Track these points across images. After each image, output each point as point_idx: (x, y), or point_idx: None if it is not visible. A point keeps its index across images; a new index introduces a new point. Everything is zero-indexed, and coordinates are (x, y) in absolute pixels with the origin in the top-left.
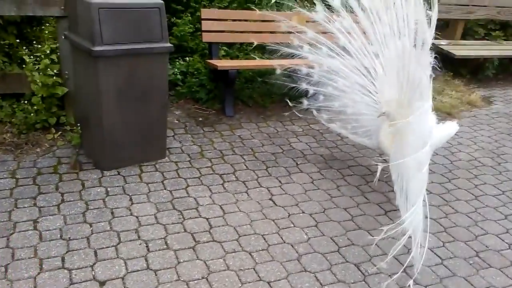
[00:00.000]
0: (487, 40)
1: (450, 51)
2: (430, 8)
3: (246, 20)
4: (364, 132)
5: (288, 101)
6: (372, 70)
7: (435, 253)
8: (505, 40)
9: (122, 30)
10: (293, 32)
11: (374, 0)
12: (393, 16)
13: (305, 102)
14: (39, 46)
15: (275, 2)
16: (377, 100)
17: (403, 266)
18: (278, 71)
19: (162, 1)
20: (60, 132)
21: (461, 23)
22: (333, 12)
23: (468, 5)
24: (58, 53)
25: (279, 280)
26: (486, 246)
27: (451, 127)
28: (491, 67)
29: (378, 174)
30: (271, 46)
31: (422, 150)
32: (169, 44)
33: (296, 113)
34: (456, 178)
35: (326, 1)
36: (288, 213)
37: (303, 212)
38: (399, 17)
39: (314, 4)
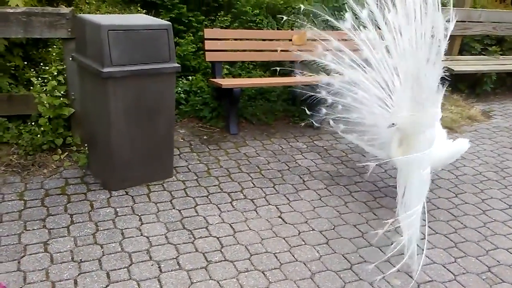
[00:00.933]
0: (484, 55)
1: (448, 66)
2: (448, 20)
3: (248, 39)
4: (380, 144)
5: (306, 109)
6: (391, 84)
7: (447, 269)
8: (501, 54)
9: (131, 51)
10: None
11: (398, 15)
12: (412, 31)
13: (324, 110)
14: (46, 67)
15: (275, 21)
16: (390, 112)
17: (416, 281)
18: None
19: (169, 23)
20: (67, 153)
21: (458, 39)
22: (357, 24)
23: (464, 21)
24: (65, 75)
25: None
26: (498, 261)
27: (461, 144)
28: (489, 81)
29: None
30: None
31: (425, 151)
32: (176, 64)
33: (314, 123)
34: (463, 193)
35: (354, 12)
36: (298, 230)
37: (313, 229)
38: (417, 32)
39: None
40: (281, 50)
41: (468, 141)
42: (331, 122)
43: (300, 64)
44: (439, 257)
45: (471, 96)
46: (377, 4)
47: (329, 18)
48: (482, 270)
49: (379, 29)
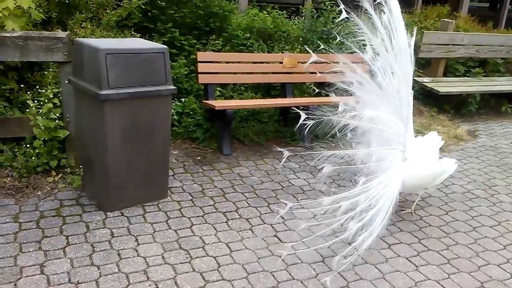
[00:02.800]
0: (468, 76)
1: (433, 88)
2: None
3: (239, 62)
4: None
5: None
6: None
7: (442, 285)
8: (484, 76)
9: (128, 74)
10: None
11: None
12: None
13: (349, 135)
14: (42, 90)
15: (266, 45)
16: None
17: None
18: (341, 108)
19: (166, 46)
20: (61, 175)
21: (443, 61)
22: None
23: (448, 45)
24: (60, 97)
25: None
26: (490, 276)
27: (448, 164)
28: (473, 102)
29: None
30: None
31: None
32: (172, 87)
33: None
34: (453, 210)
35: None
36: (294, 249)
37: (308, 247)
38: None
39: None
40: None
41: (454, 162)
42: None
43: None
44: (433, 274)
45: (456, 116)
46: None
47: (355, 49)
48: (476, 285)
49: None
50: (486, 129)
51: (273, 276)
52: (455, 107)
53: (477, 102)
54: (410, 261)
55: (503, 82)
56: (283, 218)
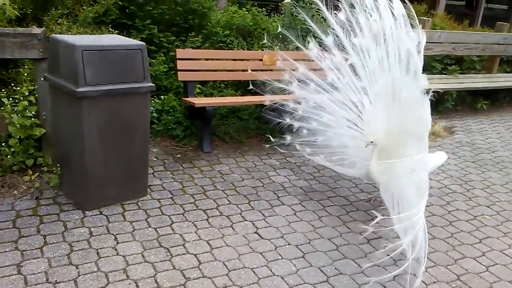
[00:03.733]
0: (444, 74)
1: None
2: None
3: (219, 59)
4: (351, 163)
5: (270, 136)
6: (360, 104)
7: None
8: (461, 73)
9: (105, 71)
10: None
11: (365, 38)
12: (383, 52)
13: (288, 137)
14: (17, 88)
15: (245, 41)
16: (364, 132)
17: None
18: (267, 103)
19: (143, 43)
20: (38, 174)
21: None
22: (323, 50)
23: (426, 43)
24: (36, 95)
25: None
26: (466, 270)
27: (440, 156)
28: (450, 99)
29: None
30: (263, 81)
31: (412, 158)
32: (151, 84)
33: (279, 149)
34: (430, 205)
35: (320, 39)
36: (275, 245)
37: (289, 244)
38: (389, 51)
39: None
40: (252, 70)
41: (445, 154)
42: (297, 146)
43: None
44: (410, 268)
45: (433, 113)
46: (342, 30)
47: (298, 44)
48: (452, 278)
49: (346, 53)
50: (462, 125)
51: (254, 273)
52: (432, 104)
53: (454, 99)
54: (388, 255)
55: (478, 80)
56: (263, 214)
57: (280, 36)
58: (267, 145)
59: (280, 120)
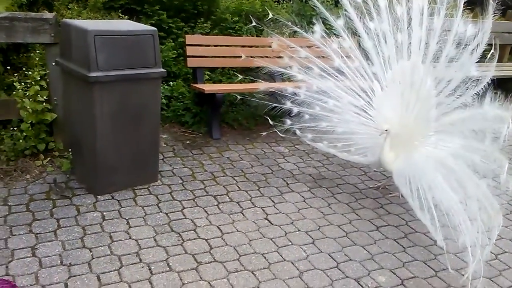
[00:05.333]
0: None
1: None
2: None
3: (228, 46)
4: (358, 150)
5: (269, 119)
6: (369, 91)
7: (428, 266)
8: None
9: (117, 56)
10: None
11: (383, 23)
12: (404, 37)
13: (288, 121)
14: (29, 72)
15: (254, 28)
16: (375, 119)
17: (400, 279)
18: (261, 88)
19: (155, 28)
20: (49, 158)
21: None
22: (330, 34)
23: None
24: (47, 80)
25: None
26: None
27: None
28: None
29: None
30: (261, 65)
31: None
32: (162, 69)
33: (278, 133)
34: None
35: (328, 22)
36: (285, 231)
37: (299, 230)
38: (413, 37)
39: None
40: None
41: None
42: (298, 132)
43: (266, 75)
44: (420, 255)
45: None
46: (356, 13)
47: (298, 30)
48: (462, 266)
49: (359, 37)
50: None
51: (264, 258)
52: None
53: None
54: (398, 243)
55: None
56: (273, 201)
57: (289, 23)
58: (275, 131)
59: (278, 105)
